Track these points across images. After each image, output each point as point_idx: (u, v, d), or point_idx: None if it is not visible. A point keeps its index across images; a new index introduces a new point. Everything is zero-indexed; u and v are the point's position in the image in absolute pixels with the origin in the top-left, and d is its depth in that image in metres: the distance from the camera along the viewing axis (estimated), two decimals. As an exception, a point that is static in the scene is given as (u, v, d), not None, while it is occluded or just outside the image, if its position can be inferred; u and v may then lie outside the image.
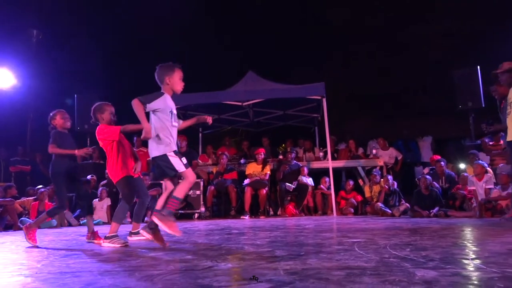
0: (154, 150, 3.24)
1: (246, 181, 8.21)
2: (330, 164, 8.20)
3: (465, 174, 7.21)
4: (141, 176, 4.47)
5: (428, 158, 9.19)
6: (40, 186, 7.62)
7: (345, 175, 9.77)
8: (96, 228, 4.07)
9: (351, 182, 8.63)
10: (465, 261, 2.05)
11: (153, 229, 3.24)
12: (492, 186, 6.41)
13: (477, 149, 7.82)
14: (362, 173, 8.90)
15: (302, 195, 8.32)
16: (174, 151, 3.21)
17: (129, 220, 6.42)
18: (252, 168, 8.41)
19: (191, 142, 9.82)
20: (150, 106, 3.17)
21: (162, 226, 3.05)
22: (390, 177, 7.94)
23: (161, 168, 3.26)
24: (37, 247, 3.64)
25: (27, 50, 12.63)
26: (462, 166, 9.08)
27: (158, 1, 17.57)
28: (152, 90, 3.31)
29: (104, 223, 7.50)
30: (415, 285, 1.51)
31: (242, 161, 9.15)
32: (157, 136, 3.20)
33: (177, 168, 3.16)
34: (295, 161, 8.76)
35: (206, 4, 18.50)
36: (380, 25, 18.34)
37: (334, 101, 9.29)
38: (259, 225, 5.58)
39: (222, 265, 2.14)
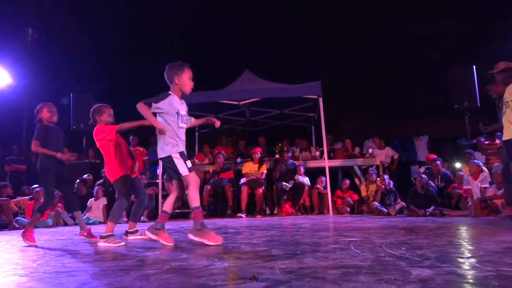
0: (160, 151, 3.26)
1: (243, 180, 8.21)
2: (327, 163, 8.21)
3: (461, 173, 7.24)
4: (139, 176, 4.46)
5: (424, 157, 9.22)
6: (36, 185, 7.59)
7: (341, 174, 9.78)
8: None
9: (348, 181, 8.65)
10: (460, 260, 2.05)
11: (158, 229, 3.27)
12: (487, 185, 6.44)
13: (473, 149, 7.86)
14: (359, 172, 8.92)
15: (298, 194, 8.33)
16: (180, 153, 3.20)
17: (125, 219, 6.41)
18: (249, 167, 8.41)
19: (187, 141, 9.80)
20: (154, 106, 3.17)
21: (203, 241, 3.06)
22: (386, 176, 7.96)
23: (167, 170, 3.30)
24: (36, 246, 3.63)
25: (23, 49, 12.59)
26: (458, 165, 9.12)
27: (157, 1, 17.55)
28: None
29: (100, 223, 7.48)
30: (411, 283, 1.51)
31: (238, 160, 9.15)
32: (163, 137, 3.20)
33: (181, 172, 3.17)
34: (291, 160, 8.77)
35: (206, 4, 18.49)
36: (376, 25, 18.41)
37: (330, 100, 9.30)
38: (256, 224, 5.57)
39: (218, 264, 2.14)
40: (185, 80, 3.32)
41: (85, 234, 3.98)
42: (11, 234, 5.53)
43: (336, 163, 9.02)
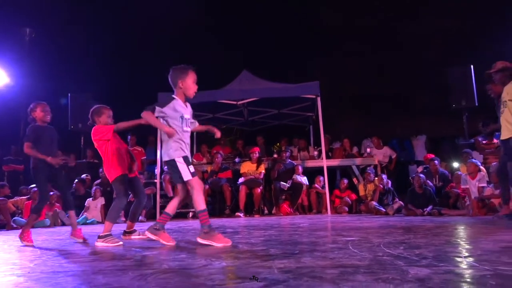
0: (164, 154, 3.27)
1: (241, 180, 8.21)
2: (325, 162, 8.21)
3: (459, 172, 7.26)
4: (138, 175, 4.45)
5: (422, 156, 9.23)
6: (33, 185, 7.57)
7: (339, 173, 9.80)
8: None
9: (346, 181, 8.66)
10: (458, 259, 2.05)
11: (158, 229, 3.27)
12: (485, 185, 6.46)
13: (471, 148, 7.87)
14: (357, 172, 8.93)
15: (296, 194, 8.34)
16: (184, 157, 3.20)
17: (123, 219, 6.40)
18: (247, 167, 8.40)
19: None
20: (158, 110, 3.18)
21: (211, 244, 3.03)
22: (384, 175, 7.97)
23: (172, 173, 3.31)
24: (33, 246, 3.62)
25: (21, 48, 12.55)
26: (455, 164, 9.14)
27: (157, 1, 17.54)
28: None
29: (98, 223, 7.47)
30: (408, 283, 1.51)
31: (236, 160, 9.15)
32: (168, 140, 3.21)
33: (183, 176, 3.17)
34: (289, 160, 8.78)
35: (206, 4, 18.48)
36: (374, 25, 18.43)
37: (328, 100, 9.31)
38: (254, 223, 5.57)
39: (216, 264, 2.14)
40: (189, 84, 3.31)
41: (76, 234, 3.96)
42: (9, 234, 5.52)
43: (334, 162, 9.02)
